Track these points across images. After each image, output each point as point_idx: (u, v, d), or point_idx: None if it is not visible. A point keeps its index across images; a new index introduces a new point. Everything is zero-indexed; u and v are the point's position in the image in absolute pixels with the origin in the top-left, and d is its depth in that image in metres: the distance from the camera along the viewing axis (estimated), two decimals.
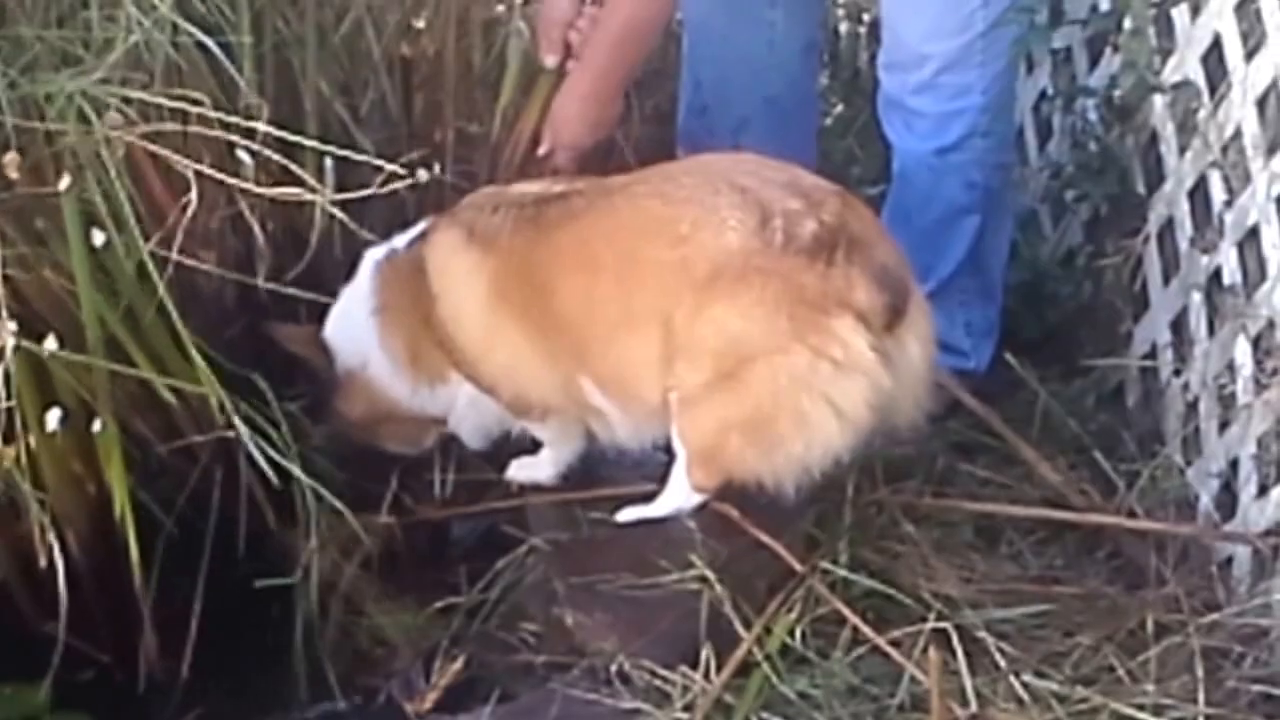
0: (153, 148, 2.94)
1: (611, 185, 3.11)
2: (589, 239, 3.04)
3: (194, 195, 2.90)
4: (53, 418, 2.92)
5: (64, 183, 2.82)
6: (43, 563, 2.98)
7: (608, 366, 3.06)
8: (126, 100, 2.88)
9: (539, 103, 3.60)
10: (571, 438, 3.29)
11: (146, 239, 2.96)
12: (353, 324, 3.31)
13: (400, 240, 3.30)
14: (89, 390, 3.01)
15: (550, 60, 3.55)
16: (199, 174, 2.98)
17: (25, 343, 2.78)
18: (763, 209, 2.89)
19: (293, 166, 2.98)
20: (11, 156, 2.84)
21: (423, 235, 3.26)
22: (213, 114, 2.94)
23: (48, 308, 3.00)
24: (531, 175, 3.44)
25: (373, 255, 3.32)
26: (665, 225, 2.95)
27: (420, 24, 3.75)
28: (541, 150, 3.53)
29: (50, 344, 2.84)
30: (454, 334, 3.17)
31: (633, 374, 3.03)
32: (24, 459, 2.91)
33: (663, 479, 3.14)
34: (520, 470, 3.35)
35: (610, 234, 3.03)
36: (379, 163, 2.91)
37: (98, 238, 2.90)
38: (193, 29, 2.99)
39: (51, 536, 2.95)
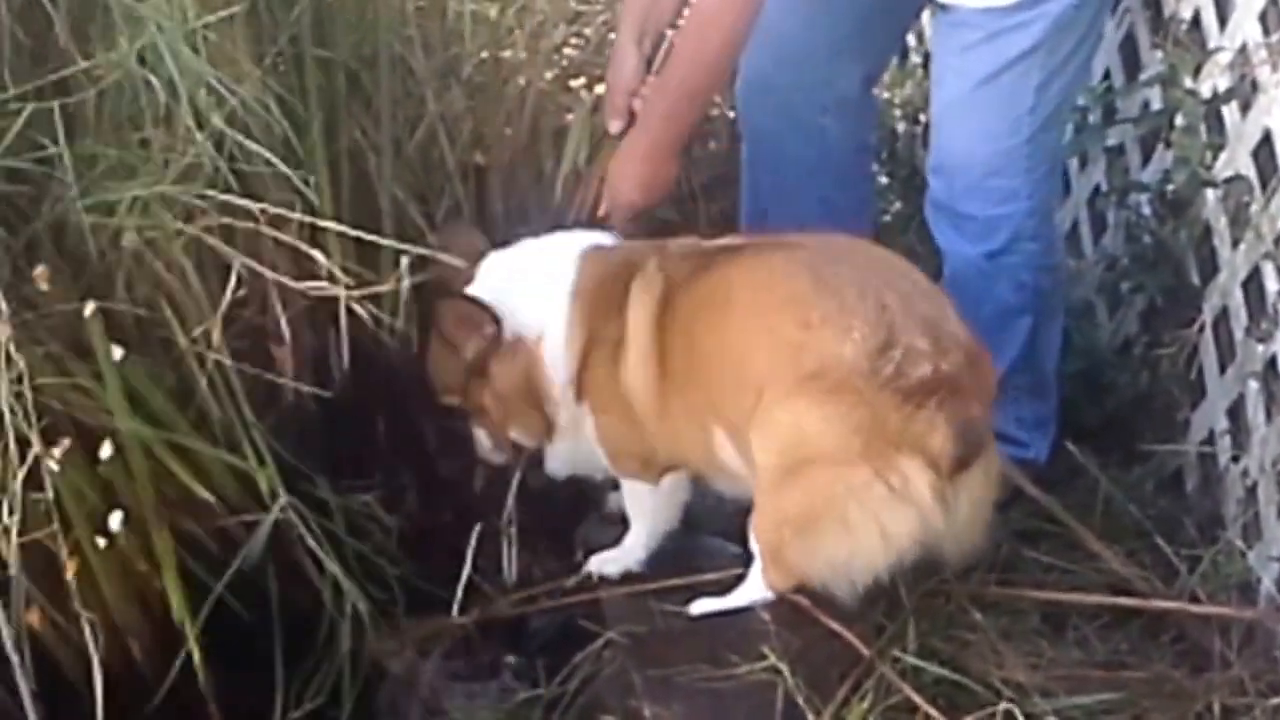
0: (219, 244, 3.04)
1: (781, 241, 3.20)
2: (733, 282, 3.12)
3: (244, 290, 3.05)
4: (115, 521, 2.98)
5: (89, 309, 2.87)
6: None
7: (728, 410, 3.10)
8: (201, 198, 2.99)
9: (602, 168, 3.63)
10: (674, 507, 3.34)
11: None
12: (545, 295, 3.29)
13: (607, 240, 3.37)
14: (139, 500, 3.05)
15: (615, 126, 3.58)
16: (274, 272, 3.10)
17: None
18: (890, 334, 2.94)
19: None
20: (41, 270, 2.91)
21: (633, 263, 3.27)
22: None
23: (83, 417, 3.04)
24: None
25: (579, 242, 3.36)
26: (801, 305, 3.00)
27: (493, 133, 3.85)
28: (600, 212, 3.56)
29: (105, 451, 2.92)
30: (630, 384, 3.20)
31: (740, 424, 3.07)
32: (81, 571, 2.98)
33: (732, 568, 3.20)
34: (605, 565, 3.37)
35: (752, 284, 3.11)
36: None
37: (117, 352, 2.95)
38: (246, 140, 3.04)
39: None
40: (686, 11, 3.49)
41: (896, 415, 2.90)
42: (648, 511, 3.36)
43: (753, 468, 3.09)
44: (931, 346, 2.95)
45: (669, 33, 3.57)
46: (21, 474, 2.74)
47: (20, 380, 2.73)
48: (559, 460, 3.41)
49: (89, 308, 2.87)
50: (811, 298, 3.01)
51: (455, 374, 3.35)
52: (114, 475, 3.00)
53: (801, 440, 2.95)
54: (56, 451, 2.78)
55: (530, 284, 3.32)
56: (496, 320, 3.27)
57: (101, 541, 2.97)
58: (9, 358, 2.72)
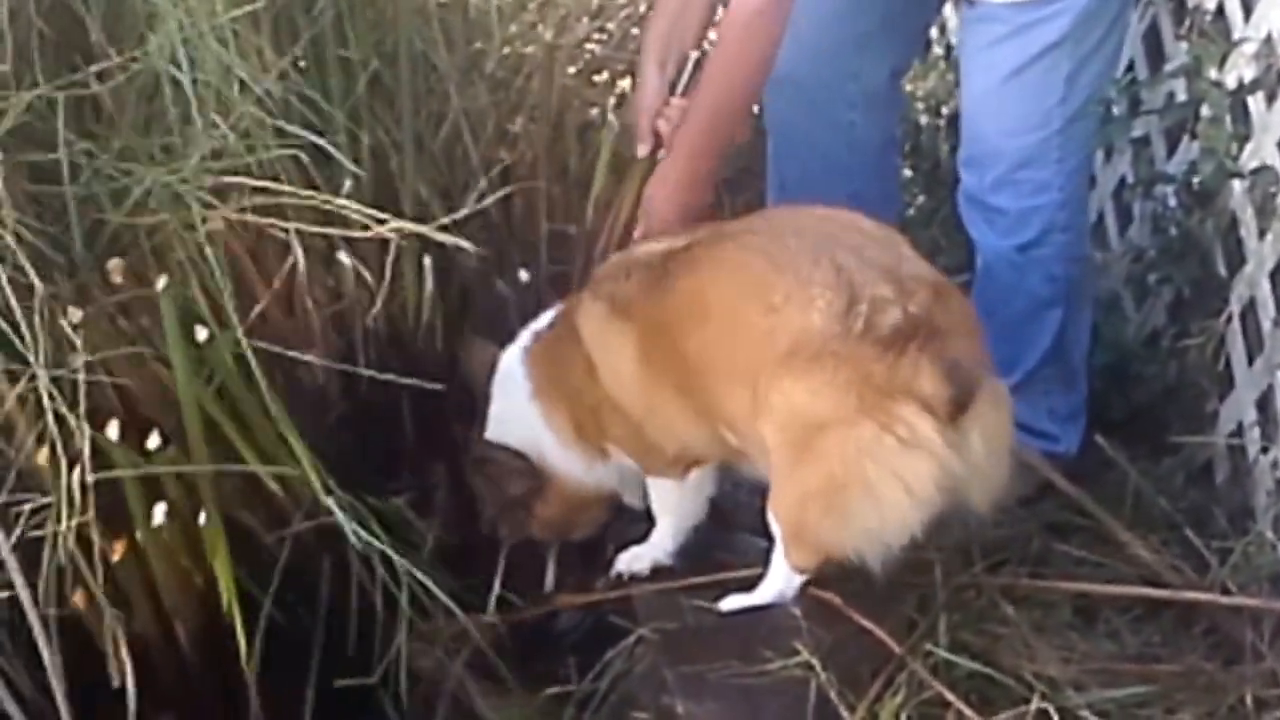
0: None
1: (726, 232, 3.19)
2: (702, 288, 3.10)
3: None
4: (158, 512, 2.98)
5: (161, 283, 2.89)
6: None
7: (728, 411, 3.11)
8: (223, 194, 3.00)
9: (632, 192, 3.62)
10: (699, 501, 3.34)
11: (248, 333, 3.05)
12: (521, 421, 3.37)
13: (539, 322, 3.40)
14: (193, 484, 3.06)
15: (642, 149, 3.59)
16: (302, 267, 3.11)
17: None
18: (852, 292, 2.92)
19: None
20: (116, 262, 2.95)
21: (570, 308, 3.32)
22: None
23: (150, 403, 3.08)
24: None
25: (520, 344, 3.40)
26: (763, 290, 2.99)
27: (516, 129, 3.86)
28: (636, 236, 3.54)
29: (154, 441, 2.91)
30: (614, 394, 3.23)
31: (745, 422, 3.07)
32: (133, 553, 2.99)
33: (763, 564, 3.16)
34: (633, 561, 3.36)
35: (718, 285, 3.09)
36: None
37: (200, 333, 2.97)
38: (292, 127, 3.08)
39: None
40: (713, 35, 3.48)
41: (879, 365, 2.88)
42: (674, 506, 3.35)
43: (763, 456, 3.08)
44: (895, 291, 2.93)
45: (693, 54, 3.57)
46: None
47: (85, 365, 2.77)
48: (633, 496, 3.43)
49: (161, 283, 2.89)
50: (770, 280, 3.00)
51: (501, 504, 3.44)
52: (175, 460, 3.01)
53: (798, 415, 2.94)
54: (113, 432, 2.79)
55: (510, 417, 3.39)
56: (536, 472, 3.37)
57: (155, 525, 2.98)
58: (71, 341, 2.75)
